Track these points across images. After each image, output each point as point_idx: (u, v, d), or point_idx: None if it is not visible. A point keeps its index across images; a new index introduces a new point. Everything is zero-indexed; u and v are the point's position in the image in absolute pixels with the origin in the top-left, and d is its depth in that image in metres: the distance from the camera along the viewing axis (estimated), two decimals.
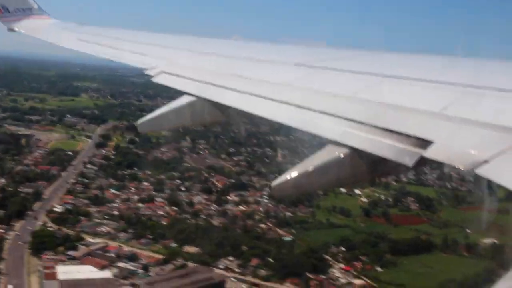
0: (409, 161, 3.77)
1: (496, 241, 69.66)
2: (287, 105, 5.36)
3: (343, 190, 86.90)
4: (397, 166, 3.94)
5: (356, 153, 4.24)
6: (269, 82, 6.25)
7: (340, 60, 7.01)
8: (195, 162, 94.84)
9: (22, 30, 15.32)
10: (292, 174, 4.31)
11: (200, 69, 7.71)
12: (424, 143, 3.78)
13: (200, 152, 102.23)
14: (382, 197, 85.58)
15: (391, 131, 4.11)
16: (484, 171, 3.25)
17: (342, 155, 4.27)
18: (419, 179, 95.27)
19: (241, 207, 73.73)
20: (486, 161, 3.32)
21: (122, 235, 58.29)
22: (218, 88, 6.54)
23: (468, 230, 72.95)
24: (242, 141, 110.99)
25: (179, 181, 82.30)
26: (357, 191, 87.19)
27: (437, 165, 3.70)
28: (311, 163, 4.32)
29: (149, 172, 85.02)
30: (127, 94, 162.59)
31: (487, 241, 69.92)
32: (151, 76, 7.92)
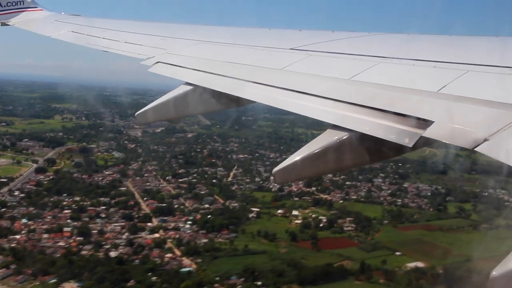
0: (409, 142, 3.82)
1: (421, 264, 65.12)
2: (285, 90, 5.31)
3: (279, 211, 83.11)
4: (397, 147, 3.98)
5: (355, 136, 4.29)
6: (266, 68, 6.30)
7: (335, 43, 6.93)
8: (134, 185, 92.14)
9: (15, 24, 15.46)
10: (293, 159, 4.37)
11: (197, 58, 7.69)
12: (424, 123, 3.81)
13: (146, 174, 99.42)
14: (321, 217, 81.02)
15: (390, 113, 4.12)
16: (484, 149, 3.23)
17: (341, 139, 4.30)
18: (370, 196, 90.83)
19: (156, 235, 70.45)
20: (486, 139, 3.29)
21: (1, 271, 55.61)
22: (215, 76, 6.51)
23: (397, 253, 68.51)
24: (196, 161, 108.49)
25: (103, 207, 79.61)
26: (295, 212, 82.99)
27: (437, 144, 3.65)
28: (311, 147, 4.39)
29: (77, 198, 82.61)
30: (103, 114, 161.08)
31: (411, 265, 65.27)
32: (148, 67, 7.81)
